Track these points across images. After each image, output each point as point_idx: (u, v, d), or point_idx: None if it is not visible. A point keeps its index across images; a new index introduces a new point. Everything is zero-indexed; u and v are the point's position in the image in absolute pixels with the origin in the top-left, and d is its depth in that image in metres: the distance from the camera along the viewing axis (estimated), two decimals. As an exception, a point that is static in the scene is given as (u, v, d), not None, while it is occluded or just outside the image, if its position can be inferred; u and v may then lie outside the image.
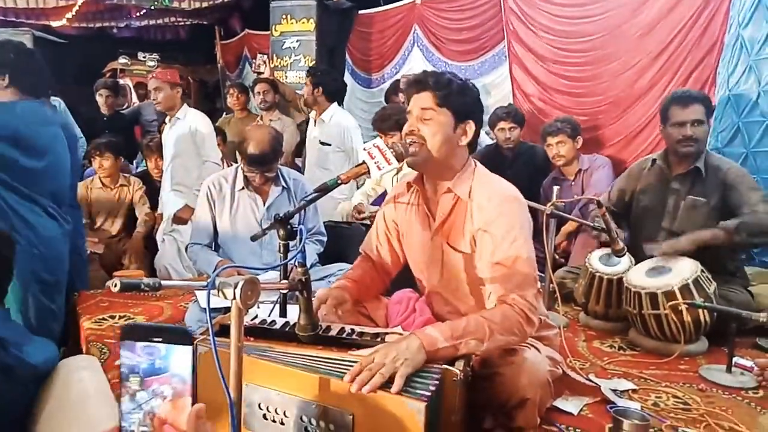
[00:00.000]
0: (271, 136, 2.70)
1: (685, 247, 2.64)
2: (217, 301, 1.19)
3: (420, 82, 1.80)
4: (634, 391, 2.12)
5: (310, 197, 1.82)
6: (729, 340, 2.28)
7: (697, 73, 3.64)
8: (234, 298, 1.17)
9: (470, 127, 1.81)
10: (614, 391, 2.07)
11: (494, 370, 1.62)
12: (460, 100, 1.79)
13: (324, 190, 1.75)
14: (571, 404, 1.94)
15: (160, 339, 1.08)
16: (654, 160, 2.95)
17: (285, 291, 1.61)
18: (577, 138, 3.78)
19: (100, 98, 5.76)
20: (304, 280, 1.51)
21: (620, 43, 4.06)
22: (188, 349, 1.08)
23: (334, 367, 1.44)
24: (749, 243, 2.74)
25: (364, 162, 1.76)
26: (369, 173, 1.76)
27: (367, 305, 2.04)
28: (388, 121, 3.44)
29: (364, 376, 1.34)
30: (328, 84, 4.15)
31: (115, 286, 1.07)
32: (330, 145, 4.10)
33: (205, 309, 1.23)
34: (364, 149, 1.76)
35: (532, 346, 1.72)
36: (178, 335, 1.07)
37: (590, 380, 2.12)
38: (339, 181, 1.74)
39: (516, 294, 1.62)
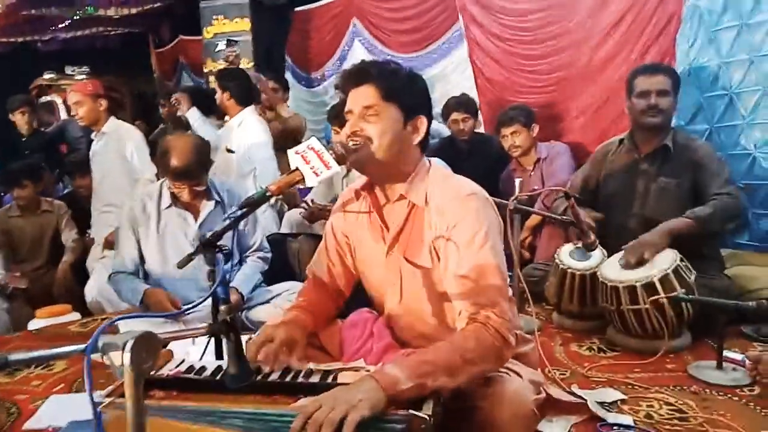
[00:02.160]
0: (194, 144, 2.39)
1: (661, 241, 2.41)
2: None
3: (361, 74, 1.52)
4: (623, 401, 1.91)
5: (238, 214, 1.52)
6: (718, 333, 2.10)
7: (657, 46, 3.48)
8: (122, 364, 0.88)
9: (422, 122, 1.54)
10: (602, 404, 1.86)
11: (470, 404, 1.36)
12: (409, 93, 1.52)
13: (251, 204, 1.45)
14: (557, 426, 1.72)
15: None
16: (621, 140, 2.78)
17: (206, 335, 1.32)
18: (532, 126, 3.57)
19: (21, 116, 5.26)
20: (228, 320, 1.22)
21: (577, 17, 3.91)
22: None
23: (277, 424, 1.17)
24: (723, 229, 2.60)
25: (297, 168, 1.47)
26: (304, 181, 1.48)
27: (318, 334, 1.75)
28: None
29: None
30: (234, 88, 3.82)
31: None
32: (234, 153, 3.79)
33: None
34: (297, 152, 1.47)
35: (512, 370, 1.46)
36: None
37: (575, 395, 1.89)
38: (268, 193, 1.44)
39: (490, 311, 1.36)
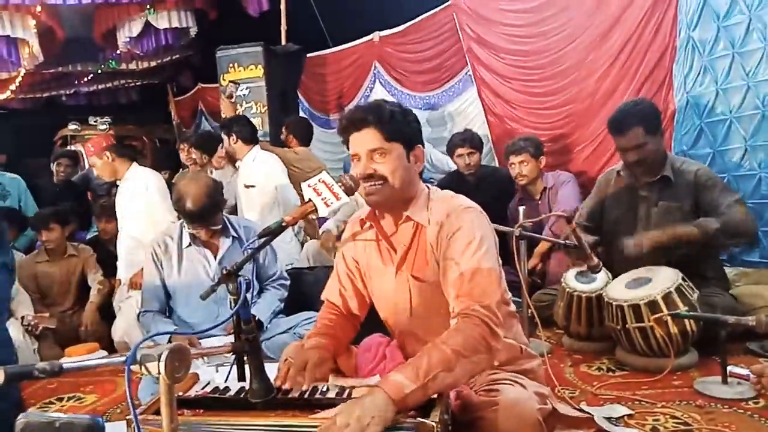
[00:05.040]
0: (207, 187, 2.53)
1: (663, 238, 2.53)
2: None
3: (360, 121, 1.65)
4: (630, 416, 1.98)
5: (257, 245, 1.66)
6: (720, 349, 2.16)
7: (653, 77, 3.63)
8: (159, 372, 1.00)
9: (420, 151, 1.71)
10: (609, 419, 1.92)
11: (476, 414, 1.45)
12: (407, 129, 1.67)
13: (269, 234, 1.59)
14: (565, 439, 1.78)
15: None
16: (618, 172, 2.87)
17: (229, 354, 1.43)
18: (540, 157, 3.71)
19: (59, 167, 5.60)
20: (250, 338, 1.34)
21: (577, 55, 4.10)
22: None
23: (297, 434, 1.27)
24: (725, 244, 2.67)
25: (310, 200, 1.61)
26: (316, 211, 1.61)
27: (336, 358, 1.86)
28: None
29: None
30: (240, 130, 4.06)
31: None
32: (254, 186, 3.97)
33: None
34: (309, 185, 1.62)
35: (516, 382, 1.55)
36: (84, 429, 0.88)
37: (582, 410, 1.96)
38: (284, 224, 1.58)
39: (477, 305, 1.47)
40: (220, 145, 4.51)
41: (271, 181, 3.91)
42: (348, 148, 1.69)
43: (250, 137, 4.07)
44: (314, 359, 1.60)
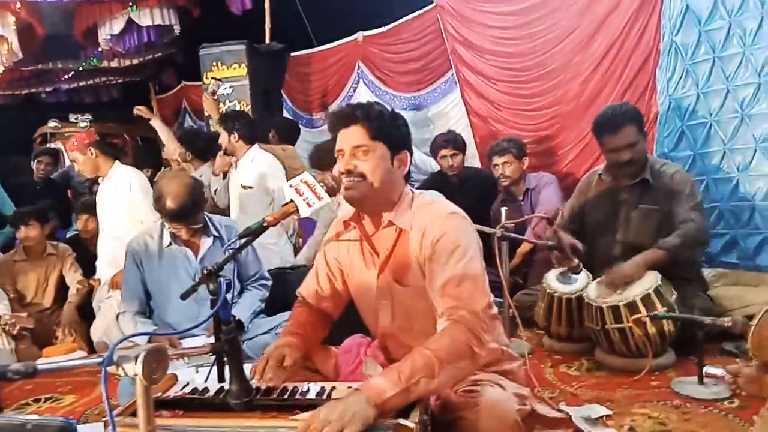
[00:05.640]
0: (187, 185, 2.52)
1: (635, 275, 2.50)
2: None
3: (348, 116, 1.66)
4: (608, 416, 2.00)
5: (238, 245, 1.65)
6: (697, 349, 2.19)
7: (637, 81, 3.68)
8: (136, 373, 0.99)
9: (406, 157, 1.70)
10: (587, 419, 1.94)
11: (456, 414, 1.46)
12: (394, 131, 1.67)
13: (249, 234, 1.58)
14: (544, 440, 1.79)
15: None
16: (599, 174, 2.90)
17: (209, 354, 1.43)
18: (523, 159, 3.73)
19: (39, 164, 5.52)
20: (230, 339, 1.33)
21: (563, 57, 4.13)
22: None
23: (277, 436, 1.26)
24: (691, 255, 2.72)
25: (291, 200, 1.61)
26: (298, 212, 1.61)
27: (314, 358, 1.86)
28: (328, 156, 3.26)
29: None
30: (241, 128, 3.97)
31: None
32: (252, 187, 3.92)
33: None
34: (291, 186, 1.62)
35: (496, 383, 1.56)
36: (56, 431, 0.87)
37: (561, 410, 1.97)
38: (265, 224, 1.57)
39: (463, 311, 1.47)
40: (220, 151, 4.34)
41: (269, 182, 3.88)
42: None
43: (250, 136, 4.01)
44: (276, 355, 1.62)
